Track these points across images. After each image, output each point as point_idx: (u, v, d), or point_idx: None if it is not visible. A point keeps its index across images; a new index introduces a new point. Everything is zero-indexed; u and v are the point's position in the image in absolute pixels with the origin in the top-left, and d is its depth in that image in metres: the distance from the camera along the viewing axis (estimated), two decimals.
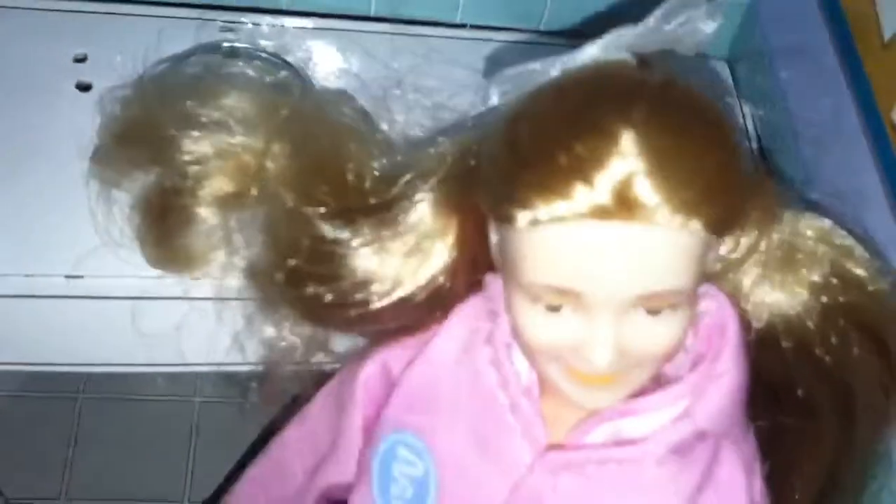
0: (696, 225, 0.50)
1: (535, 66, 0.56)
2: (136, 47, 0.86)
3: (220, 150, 0.75)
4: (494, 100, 0.58)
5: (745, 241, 0.62)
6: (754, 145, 0.95)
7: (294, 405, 0.82)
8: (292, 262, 0.69)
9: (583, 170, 0.49)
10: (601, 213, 0.49)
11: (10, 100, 0.89)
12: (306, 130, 0.74)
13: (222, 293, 0.78)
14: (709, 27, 0.56)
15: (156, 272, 0.80)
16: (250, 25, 0.97)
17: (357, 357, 0.74)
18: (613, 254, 0.50)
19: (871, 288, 0.66)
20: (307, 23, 0.99)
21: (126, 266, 0.80)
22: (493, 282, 0.63)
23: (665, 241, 0.50)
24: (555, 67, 0.55)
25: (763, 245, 0.63)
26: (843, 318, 0.65)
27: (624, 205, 0.49)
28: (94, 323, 0.88)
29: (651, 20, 0.56)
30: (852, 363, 0.65)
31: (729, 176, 0.52)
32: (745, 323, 0.63)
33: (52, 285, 0.81)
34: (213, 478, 1.05)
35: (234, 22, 0.97)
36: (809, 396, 0.66)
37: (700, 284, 0.55)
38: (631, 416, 0.59)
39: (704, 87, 0.55)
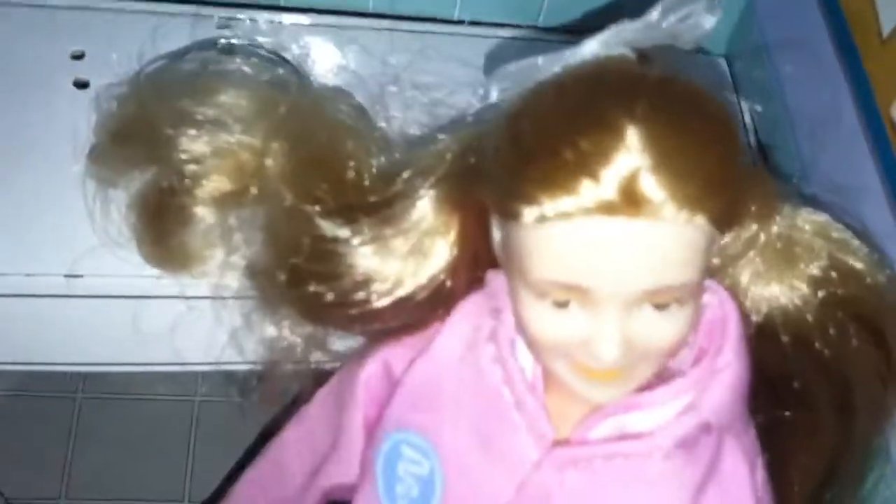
0: (700, 220, 0.50)
1: (535, 61, 0.56)
2: (133, 44, 0.86)
3: (217, 148, 0.75)
4: (494, 96, 0.58)
5: (743, 236, 0.62)
6: (752, 140, 0.95)
7: (294, 404, 0.82)
8: (293, 260, 0.69)
9: (588, 165, 0.49)
10: (607, 208, 0.49)
11: (7, 96, 0.88)
12: (304, 127, 0.74)
13: (221, 292, 0.78)
14: (708, 22, 0.57)
15: (155, 271, 0.80)
16: (247, 22, 0.96)
17: (357, 356, 0.74)
18: (620, 249, 0.50)
19: (868, 281, 0.66)
20: (304, 19, 0.99)
21: (125, 265, 0.79)
22: (495, 278, 0.63)
23: (671, 235, 0.50)
24: (555, 63, 0.55)
25: (761, 239, 0.63)
26: (842, 310, 0.65)
27: (630, 200, 0.49)
28: (94, 322, 0.88)
29: (651, 15, 0.56)
30: (850, 356, 0.66)
31: (730, 170, 0.52)
32: (744, 317, 0.63)
33: (52, 284, 0.81)
34: (213, 477, 1.04)
35: (231, 18, 0.96)
36: (808, 389, 0.66)
37: (705, 278, 0.55)
38: (636, 411, 0.59)
39: (703, 82, 0.55)
